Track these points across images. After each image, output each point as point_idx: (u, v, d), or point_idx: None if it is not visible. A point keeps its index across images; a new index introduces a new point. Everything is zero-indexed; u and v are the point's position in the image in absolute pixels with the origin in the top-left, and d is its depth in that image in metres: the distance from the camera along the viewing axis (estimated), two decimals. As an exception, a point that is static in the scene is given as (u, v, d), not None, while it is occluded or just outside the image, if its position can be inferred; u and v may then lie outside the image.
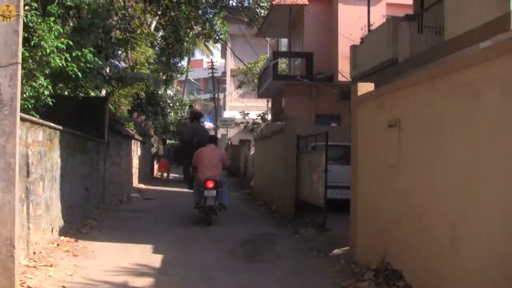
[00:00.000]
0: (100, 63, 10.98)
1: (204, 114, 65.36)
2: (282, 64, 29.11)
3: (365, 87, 8.86)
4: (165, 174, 27.62)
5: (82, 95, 14.92)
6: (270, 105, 33.85)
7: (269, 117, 33.76)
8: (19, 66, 5.84)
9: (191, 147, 24.90)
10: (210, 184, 12.71)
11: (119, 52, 17.15)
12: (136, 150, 22.75)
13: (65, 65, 9.52)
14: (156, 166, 33.03)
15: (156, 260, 8.66)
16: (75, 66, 9.73)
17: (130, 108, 24.31)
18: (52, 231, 9.21)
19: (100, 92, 16.90)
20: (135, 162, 22.53)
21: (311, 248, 10.06)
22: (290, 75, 25.58)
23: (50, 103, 9.84)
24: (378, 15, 20.32)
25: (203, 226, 12.41)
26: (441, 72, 6.25)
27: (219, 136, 43.06)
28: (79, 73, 10.01)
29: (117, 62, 18.88)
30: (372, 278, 7.29)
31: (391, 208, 7.41)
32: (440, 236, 5.95)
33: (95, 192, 13.69)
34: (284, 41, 32.31)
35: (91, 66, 10.50)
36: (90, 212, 12.73)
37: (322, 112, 23.38)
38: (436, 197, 6.11)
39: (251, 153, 26.43)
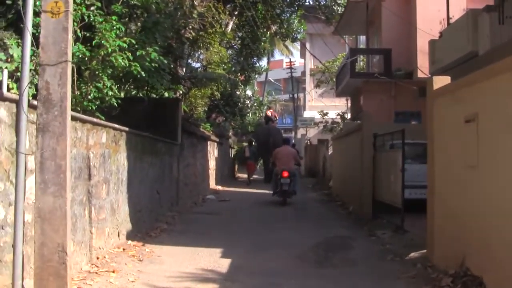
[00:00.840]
0: (166, 62, 10.75)
1: (284, 114, 65.78)
2: (361, 62, 28.42)
3: (441, 81, 8.26)
4: (252, 176, 27.92)
5: (155, 96, 14.99)
6: (349, 104, 33.19)
7: (348, 116, 33.09)
8: (69, 65, 5.64)
9: (267, 147, 26.02)
10: (285, 174, 17.05)
11: (192, 52, 17.06)
12: (212, 152, 22.75)
13: (127, 64, 9.35)
14: (236, 168, 33.17)
15: (223, 265, 8.35)
16: (138, 65, 9.56)
17: (206, 109, 24.40)
18: (118, 235, 9.07)
19: (175, 93, 16.93)
20: (212, 164, 22.53)
21: (387, 251, 9.50)
22: (368, 73, 24.93)
23: (115, 104, 9.71)
24: (458, 8, 19.31)
25: (273, 230, 12.06)
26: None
27: (298, 136, 42.84)
28: (143, 73, 9.82)
29: (190, 62, 18.88)
30: (450, 284, 6.74)
31: (471, 209, 6.80)
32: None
33: (168, 194, 13.62)
34: (362, 39, 31.52)
35: (157, 65, 10.32)
36: (162, 215, 12.63)
37: (401, 110, 22.63)
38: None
39: (329, 153, 25.93)
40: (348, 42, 34.33)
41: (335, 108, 35.95)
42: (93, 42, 9.18)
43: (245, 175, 27.70)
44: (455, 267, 6.99)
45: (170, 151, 13.94)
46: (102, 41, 9.05)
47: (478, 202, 6.59)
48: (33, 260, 5.64)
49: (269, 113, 32.21)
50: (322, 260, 8.90)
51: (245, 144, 32.28)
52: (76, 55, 8.83)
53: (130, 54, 9.48)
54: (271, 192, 17.96)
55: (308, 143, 38.25)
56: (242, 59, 26.68)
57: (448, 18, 18.44)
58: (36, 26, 6.86)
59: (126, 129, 9.47)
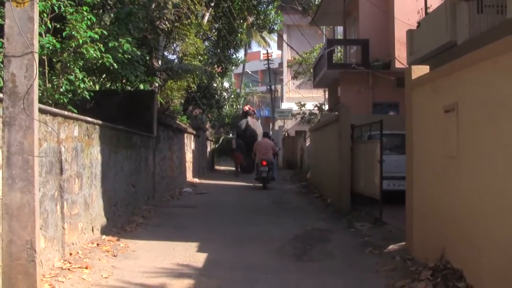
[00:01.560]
0: (139, 53, 10.53)
1: (262, 106, 65.68)
2: (338, 53, 28.35)
3: (419, 70, 8.16)
4: (239, 167, 28.80)
5: (130, 89, 14.77)
6: (327, 96, 33.17)
7: (326, 107, 33.06)
8: (36, 56, 5.41)
9: (244, 139, 27.08)
10: (264, 163, 20.45)
11: (167, 44, 16.84)
12: (189, 144, 22.60)
13: (99, 56, 9.12)
14: (214, 160, 33.04)
15: (199, 259, 8.19)
16: (110, 57, 9.33)
17: (183, 101, 24.20)
18: (92, 230, 8.87)
19: (150, 86, 16.73)
20: (189, 156, 22.40)
21: (366, 244, 9.42)
22: (345, 64, 24.81)
23: (88, 97, 9.48)
24: (436, -3, 19.31)
25: (251, 223, 11.95)
26: (504, 47, 5.48)
27: (276, 127, 42.72)
28: (116, 65, 9.59)
29: (166, 54, 18.65)
30: (430, 278, 6.62)
31: (450, 201, 6.70)
32: (508, 235, 5.22)
33: (144, 188, 13.46)
34: (339, 29, 31.50)
35: (130, 57, 10.10)
36: (138, 209, 12.46)
37: (379, 101, 22.62)
38: (502, 190, 5.37)
39: (307, 145, 25.87)
40: (326, 33, 34.26)
41: (313, 99, 35.93)
42: (64, 34, 8.92)
43: (224, 168, 27.82)
44: (435, 260, 6.89)
45: (146, 144, 13.75)
46: (73, 32, 8.80)
47: (458, 193, 6.49)
48: (1, 258, 5.43)
49: (246, 108, 32.51)
50: (300, 254, 8.78)
51: (231, 135, 32.77)
52: (46, 46, 8.58)
53: (102, 45, 9.26)
54: (250, 184, 19.67)
55: (286, 134, 38.23)
56: (218, 50, 26.43)
57: (426, 7, 18.40)
58: (2, 16, 6.61)
59: (100, 122, 9.26)
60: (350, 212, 12.96)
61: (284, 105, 45.53)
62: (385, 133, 11.94)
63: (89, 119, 8.70)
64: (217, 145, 40.91)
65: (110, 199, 10.10)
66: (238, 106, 36.65)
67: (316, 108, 31.17)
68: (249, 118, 30.57)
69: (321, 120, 22.12)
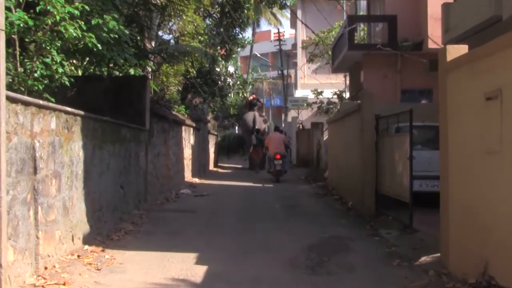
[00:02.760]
0: (128, 32, 10.43)
1: (273, 94, 65.69)
2: (361, 31, 28.19)
3: (456, 51, 8.02)
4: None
5: (118, 74, 14.72)
6: (347, 82, 33.01)
7: (346, 95, 32.90)
8: (2, 35, 5.31)
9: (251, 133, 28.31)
10: (278, 156, 23.66)
11: (162, 22, 16.80)
12: (188, 138, 22.59)
13: (80, 35, 9.01)
14: (217, 157, 33.08)
15: (198, 273, 8.10)
16: (93, 36, 9.22)
17: (180, 89, 24.17)
18: (73, 240, 8.79)
19: (142, 70, 16.69)
20: (187, 152, 22.41)
21: (393, 254, 9.33)
22: (369, 44, 24.70)
23: (67, 83, 9.38)
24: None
25: (259, 230, 11.87)
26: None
27: (289, 119, 42.67)
28: (100, 46, 9.48)
29: (160, 34, 18.64)
30: (470, 297, 6.55)
31: (494, 204, 6.58)
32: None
33: (134, 189, 13.42)
34: (363, 4, 31.30)
35: (117, 36, 10.00)
36: (127, 213, 12.43)
37: (409, 87, 22.54)
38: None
39: (325, 139, 25.80)
40: (346, 9, 34.04)
41: (331, 86, 35.76)
42: (38, 9, 8.80)
43: (229, 165, 28.10)
44: (476, 275, 6.81)
45: (137, 138, 13.71)
46: (49, 7, 8.65)
47: (502, 195, 6.36)
48: (-38, 274, 5.34)
49: (251, 98, 32.92)
50: (315, 266, 8.69)
51: (237, 128, 33.24)
52: (16, 24, 8.45)
53: (83, 23, 9.14)
54: (258, 184, 21.00)
55: (300, 127, 38.11)
56: (222, 30, 26.44)
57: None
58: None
59: (82, 113, 9.16)
60: (375, 217, 12.90)
61: (298, 93, 45.43)
62: (415, 124, 11.82)
63: (69, 109, 8.60)
64: (222, 140, 41.07)
65: (94, 202, 10.01)
66: (245, 94, 36.61)
67: (335, 96, 31.01)
68: (254, 110, 31.92)
69: (341, 110, 22.00)
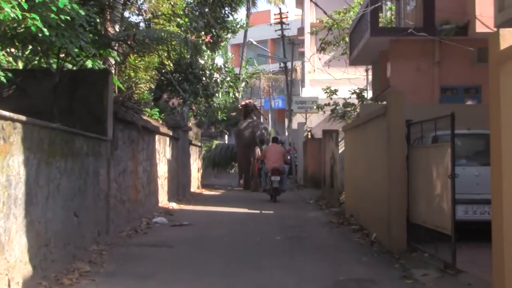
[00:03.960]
0: (84, 13, 10.38)
1: (273, 93, 65.89)
2: (387, 12, 28.25)
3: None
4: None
5: (72, 67, 14.67)
6: (370, 77, 33.04)
7: (369, 95, 32.91)
8: None
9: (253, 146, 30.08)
10: (275, 172, 25.52)
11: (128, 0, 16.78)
12: (163, 151, 22.63)
13: (20, 16, 8.94)
14: (200, 175, 33.18)
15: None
16: (38, 18, 9.15)
17: (154, 86, 24.14)
18: (9, 285, 8.69)
19: (103, 62, 16.68)
20: (162, 169, 22.49)
21: (431, 304, 9.28)
22: (398, 28, 24.77)
23: (3, 79, 9.31)
24: None
25: (257, 270, 11.80)
26: None
27: (294, 125, 42.76)
28: (46, 30, 9.41)
29: (127, 15, 18.62)
30: None
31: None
32: None
33: (93, 217, 13.43)
34: (389, -23, 31.40)
35: (69, 18, 9.94)
36: (83, 249, 12.42)
37: (450, 84, 22.60)
38: None
39: (341, 151, 25.72)
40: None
41: (349, 83, 35.80)
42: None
43: (218, 184, 28.37)
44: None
45: (96, 151, 13.72)
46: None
47: None
48: None
49: (245, 101, 33.52)
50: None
51: (227, 138, 33.90)
52: None
53: (23, 0, 9.07)
54: (255, 211, 21.14)
55: (309, 136, 38.08)
56: (207, 10, 26.44)
57: None
58: None
59: (23, 118, 9.11)
60: (406, 254, 12.85)
61: (306, 92, 45.59)
62: (458, 132, 11.84)
63: (5, 113, 8.54)
64: (207, 152, 41.09)
65: (39, 235, 9.95)
66: (237, 94, 36.51)
67: (353, 95, 30.99)
68: (253, 117, 34.12)
69: (361, 114, 21.98)
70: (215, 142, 44.14)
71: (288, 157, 29.78)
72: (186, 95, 26.71)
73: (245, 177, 36.53)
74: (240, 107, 37.30)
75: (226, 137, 51.80)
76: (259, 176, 31.77)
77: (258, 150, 33.05)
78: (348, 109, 30.54)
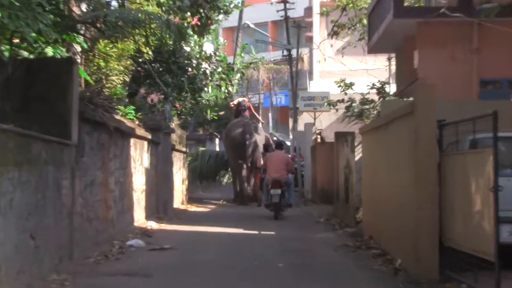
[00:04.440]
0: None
1: (275, 87, 65.81)
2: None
3: None
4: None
5: (28, 55, 14.61)
6: (393, 68, 33.01)
7: (391, 89, 32.89)
8: None
9: (242, 152, 33.18)
10: (276, 184, 25.99)
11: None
12: (140, 158, 22.61)
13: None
14: (185, 186, 33.19)
15: None
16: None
17: (129, 79, 24.08)
18: None
19: (67, 49, 16.62)
20: (139, 181, 22.52)
21: None
22: (427, 8, 24.77)
23: None
24: None
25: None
26: None
27: (300, 126, 42.77)
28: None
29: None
30: None
31: None
32: None
33: (54, 240, 13.42)
34: None
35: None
36: (41, 279, 12.35)
37: (493, 76, 22.51)
38: None
39: (357, 158, 25.69)
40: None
41: (367, 74, 35.81)
42: None
43: (207, 198, 28.38)
44: None
45: (58, 159, 13.72)
46: None
47: None
48: None
49: (239, 100, 33.69)
50: None
51: (217, 143, 34.06)
52: None
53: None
54: (252, 231, 21.81)
55: (318, 139, 38.01)
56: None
57: None
58: None
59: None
60: (439, 285, 12.80)
61: (315, 86, 45.62)
62: (502, 135, 11.77)
63: None
64: (194, 160, 41.04)
65: (-13, 261, 9.90)
66: (231, 89, 36.45)
67: (373, 90, 30.95)
68: (245, 118, 34.73)
69: (383, 112, 21.92)
70: (201, 149, 44.11)
71: (295, 165, 30.26)
72: (168, 89, 26.70)
73: (235, 189, 37.17)
74: (233, 106, 37.39)
75: (217, 141, 51.71)
76: (261, 188, 31.89)
77: (260, 158, 33.55)
78: (366, 106, 30.50)
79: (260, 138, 35.21)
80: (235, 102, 37.42)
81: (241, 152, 34.42)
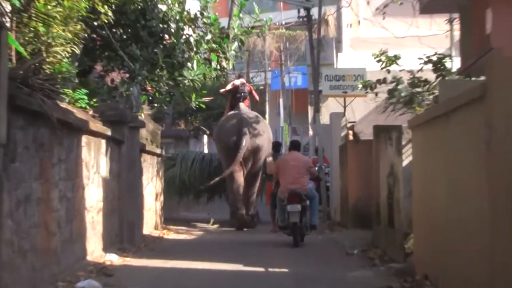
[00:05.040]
0: None
1: (287, 61, 65.66)
2: None
3: None
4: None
5: None
6: (455, 35, 32.99)
7: (454, 65, 32.86)
8: None
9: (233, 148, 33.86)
10: (294, 198, 25.99)
11: None
12: (95, 163, 22.54)
13: None
14: (160, 203, 33.20)
15: None
16: None
17: (79, 51, 24.05)
18: None
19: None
20: (95, 195, 22.50)
21: None
22: None
23: None
24: None
25: None
26: None
27: (324, 118, 42.69)
28: None
29: None
30: None
31: None
32: None
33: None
34: None
35: None
36: None
37: None
38: None
39: (405, 163, 25.63)
40: None
41: (419, 44, 35.81)
42: None
43: (191, 220, 28.38)
44: None
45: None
46: None
47: None
48: None
49: (235, 82, 33.58)
50: None
51: (205, 142, 34.19)
52: None
53: None
54: (257, 268, 21.68)
55: (350, 136, 37.94)
56: None
57: None
58: None
59: None
60: None
61: (345, 60, 45.60)
62: None
63: None
64: (171, 167, 40.94)
65: None
66: (225, 64, 36.28)
67: (427, 66, 30.91)
68: (242, 106, 35.31)
69: (442, 97, 21.88)
70: (183, 150, 43.82)
71: (317, 169, 29.92)
72: (135, 65, 26.70)
73: (232, 206, 37.34)
74: (226, 92, 36.85)
75: (205, 139, 51.51)
76: (273, 206, 32.05)
77: (270, 161, 34.11)
78: (419, 89, 30.41)
79: (265, 138, 35.64)
80: (231, 86, 36.82)
81: (235, 156, 34.65)
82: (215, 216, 38.41)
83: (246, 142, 34.20)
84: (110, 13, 22.66)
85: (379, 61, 32.35)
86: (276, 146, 35.90)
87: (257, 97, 40.38)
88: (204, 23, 33.88)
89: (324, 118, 43.18)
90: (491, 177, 13.66)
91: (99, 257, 22.07)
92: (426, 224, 20.11)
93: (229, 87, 37.44)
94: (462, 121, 15.73)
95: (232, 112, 36.04)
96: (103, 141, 23.36)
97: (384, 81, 31.52)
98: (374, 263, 22.78)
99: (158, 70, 27.96)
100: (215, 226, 36.68)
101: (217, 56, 34.38)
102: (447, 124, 17.12)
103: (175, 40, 29.77)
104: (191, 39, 32.45)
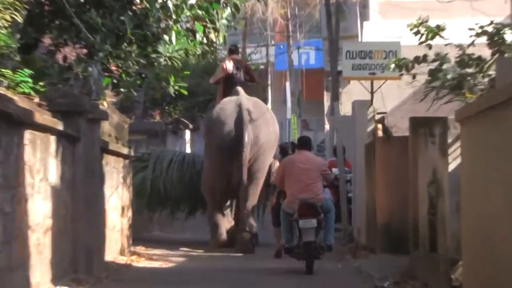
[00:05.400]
0: None
1: (298, 33, 65.77)
2: None
3: None
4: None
5: None
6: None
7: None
8: None
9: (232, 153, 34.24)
10: (306, 210, 25.84)
11: None
12: (43, 167, 22.43)
13: None
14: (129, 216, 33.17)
15: None
16: None
17: (21, 20, 24.06)
18: None
19: None
20: (42, 209, 22.36)
21: None
22: None
23: None
24: None
25: None
26: None
27: (344, 108, 42.75)
28: None
29: None
30: None
31: None
32: None
33: None
34: None
35: None
36: None
37: None
38: None
39: (452, 166, 25.64)
40: None
41: (470, 9, 35.87)
42: None
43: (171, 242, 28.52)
44: None
45: None
46: None
47: None
48: None
49: (227, 66, 33.54)
50: None
51: (187, 140, 34.34)
52: None
53: None
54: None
55: (379, 131, 37.93)
56: None
57: None
58: None
59: None
60: None
61: (372, 32, 45.73)
62: None
63: None
64: (142, 173, 40.92)
65: None
66: (213, 37, 36.31)
67: (480, 39, 30.94)
68: (240, 90, 35.46)
69: (499, 80, 21.88)
70: (156, 149, 43.59)
71: (331, 174, 29.75)
72: (96, 38, 26.67)
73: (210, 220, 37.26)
74: (216, 80, 36.59)
75: (188, 134, 51.58)
76: (276, 224, 32.12)
77: (276, 164, 34.16)
78: (470, 70, 30.41)
79: (271, 131, 35.49)
80: (221, 71, 36.29)
81: (234, 155, 34.40)
82: (198, 236, 38.31)
83: (249, 137, 34.03)
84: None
85: (417, 33, 32.30)
86: (283, 149, 36.14)
87: (255, 78, 39.81)
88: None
89: (345, 108, 43.22)
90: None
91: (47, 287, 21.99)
92: (479, 249, 20.03)
93: (218, 74, 36.75)
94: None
95: (227, 98, 35.93)
96: (53, 138, 23.22)
97: (424, 59, 31.43)
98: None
99: (125, 44, 27.91)
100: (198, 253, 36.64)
101: (203, 26, 34.29)
102: (508, 116, 17.08)
103: (148, 5, 29.70)
104: (169, 3, 32.35)
